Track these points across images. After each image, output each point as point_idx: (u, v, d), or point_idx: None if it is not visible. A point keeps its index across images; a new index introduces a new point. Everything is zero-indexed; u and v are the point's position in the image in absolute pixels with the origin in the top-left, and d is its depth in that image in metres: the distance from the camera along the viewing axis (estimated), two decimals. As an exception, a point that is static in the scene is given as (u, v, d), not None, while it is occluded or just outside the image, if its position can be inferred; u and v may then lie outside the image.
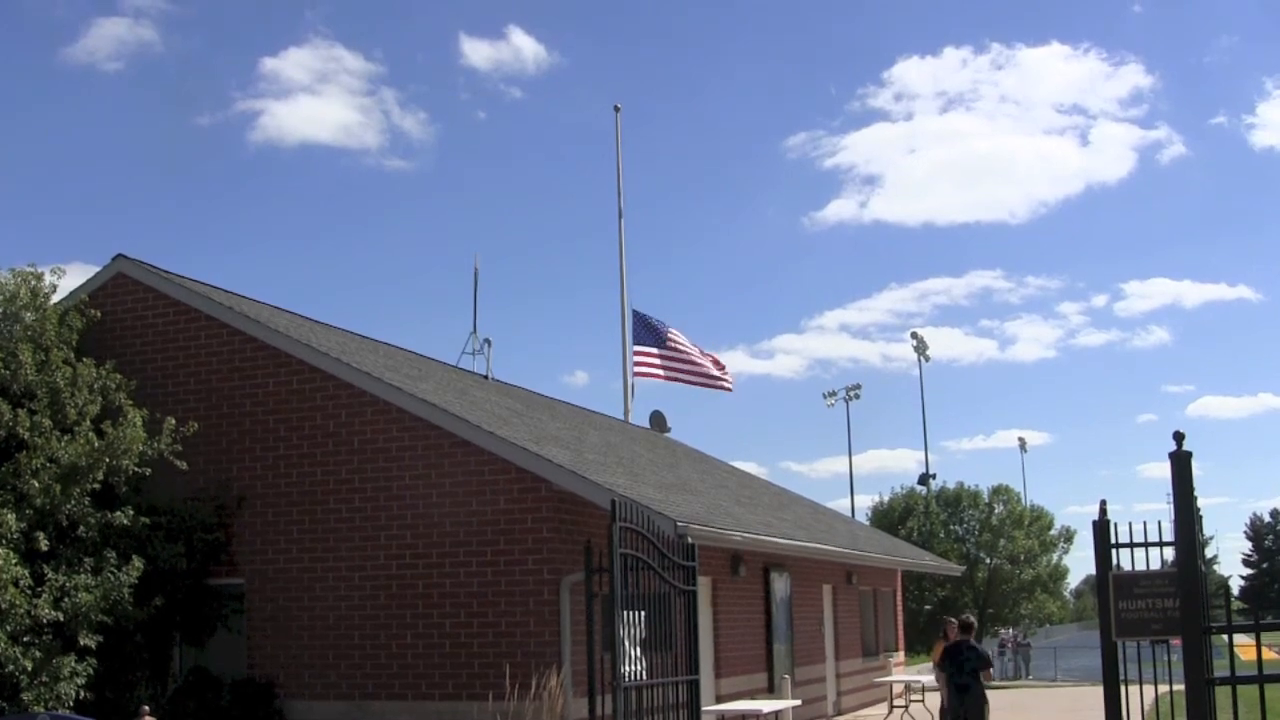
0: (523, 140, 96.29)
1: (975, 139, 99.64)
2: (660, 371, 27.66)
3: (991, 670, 11.93)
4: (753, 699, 15.09)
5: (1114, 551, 8.05)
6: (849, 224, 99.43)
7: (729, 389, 27.89)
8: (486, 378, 18.84)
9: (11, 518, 10.95)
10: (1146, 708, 9.27)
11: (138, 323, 13.49)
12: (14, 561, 10.69)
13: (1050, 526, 52.63)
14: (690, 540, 10.30)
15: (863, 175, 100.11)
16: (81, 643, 11.05)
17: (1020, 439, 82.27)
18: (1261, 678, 7.65)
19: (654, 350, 27.67)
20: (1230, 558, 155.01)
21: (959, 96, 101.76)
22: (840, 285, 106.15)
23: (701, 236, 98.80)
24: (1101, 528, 8.12)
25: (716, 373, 27.49)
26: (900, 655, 24.92)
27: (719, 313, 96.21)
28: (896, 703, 19.46)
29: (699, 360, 27.48)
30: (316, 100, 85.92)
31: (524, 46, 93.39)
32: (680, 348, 27.53)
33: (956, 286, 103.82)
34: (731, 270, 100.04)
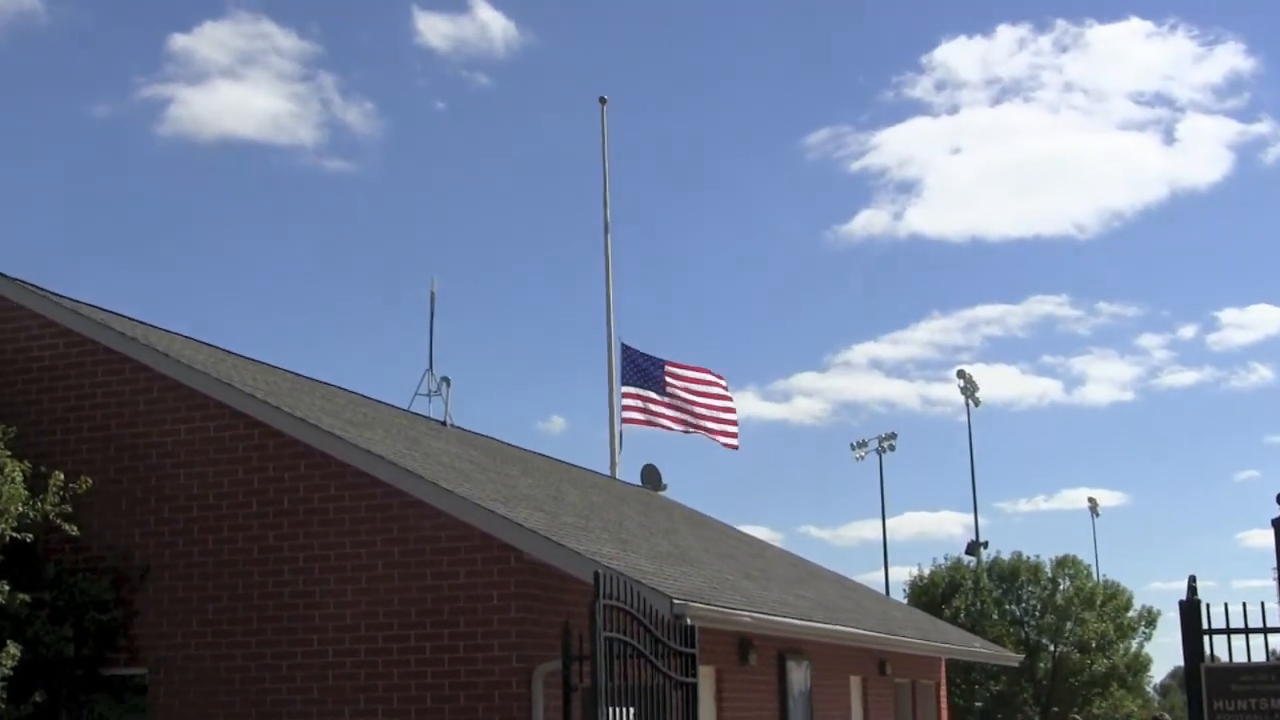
0: (490, 138, 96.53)
1: (1034, 136, 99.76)
2: (654, 418, 27.68)
3: None
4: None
5: (1206, 639, 8.04)
6: (881, 239, 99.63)
7: (733, 445, 27.83)
8: (444, 424, 18.85)
9: None
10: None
11: (19, 356, 13.49)
12: None
13: (1128, 607, 52.61)
14: (690, 622, 10.28)
15: (897, 180, 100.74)
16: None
17: (1090, 500, 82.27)
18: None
19: (647, 392, 27.71)
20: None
21: (1014, 85, 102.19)
22: (871, 313, 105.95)
23: (703, 255, 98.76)
24: (1191, 609, 8.11)
25: (721, 423, 27.44)
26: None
27: (724, 346, 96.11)
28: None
29: (704, 401, 27.48)
30: (238, 86, 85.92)
31: (491, 24, 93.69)
32: (681, 386, 27.56)
33: (1012, 315, 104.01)
34: (739, 296, 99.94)
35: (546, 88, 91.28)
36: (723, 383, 27.88)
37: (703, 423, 27.45)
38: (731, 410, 28.13)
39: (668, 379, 27.53)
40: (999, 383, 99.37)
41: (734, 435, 27.85)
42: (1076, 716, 11.94)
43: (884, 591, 45.89)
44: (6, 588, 11.77)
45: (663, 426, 27.63)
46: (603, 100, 31.44)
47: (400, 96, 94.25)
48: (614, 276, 29.51)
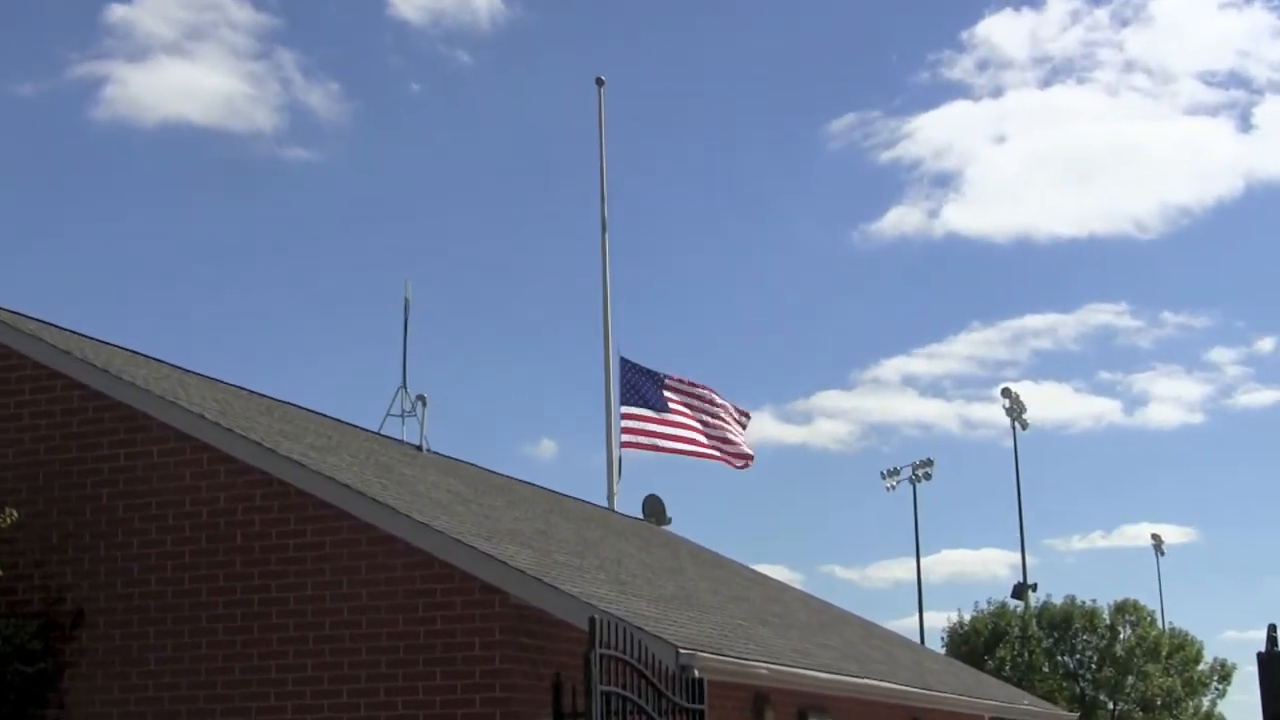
0: (472, 124, 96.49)
1: (1090, 122, 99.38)
2: (657, 441, 27.74)
3: None
4: None
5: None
6: (915, 239, 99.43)
7: (743, 466, 27.89)
8: (420, 449, 18.89)
9: None
10: None
11: (-62, 371, 13.53)
12: None
13: (1198, 659, 52.61)
14: (698, 674, 10.32)
15: (934, 173, 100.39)
16: None
17: (1155, 537, 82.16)
18: None
19: (649, 413, 27.77)
20: None
21: (1067, 64, 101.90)
22: (903, 324, 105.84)
23: (713, 258, 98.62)
24: (1271, 662, 8.16)
25: (734, 440, 27.49)
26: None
27: (737, 361, 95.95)
28: None
29: (715, 421, 27.54)
30: (186, 64, 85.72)
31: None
32: (683, 401, 27.60)
33: (1064, 325, 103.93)
34: (753, 304, 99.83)
35: (537, 67, 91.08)
36: (726, 403, 27.94)
37: (712, 444, 27.50)
38: (742, 424, 28.16)
39: (667, 394, 27.57)
40: (1049, 403, 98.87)
41: (749, 457, 27.87)
42: None
43: (919, 640, 45.85)
44: (-79, 635, 11.80)
45: (667, 450, 27.70)
46: (600, 81, 31.64)
47: (370, 76, 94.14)
48: (612, 282, 29.69)
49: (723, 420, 27.77)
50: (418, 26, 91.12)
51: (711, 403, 27.79)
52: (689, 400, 27.64)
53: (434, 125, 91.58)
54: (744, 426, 28.10)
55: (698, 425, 27.62)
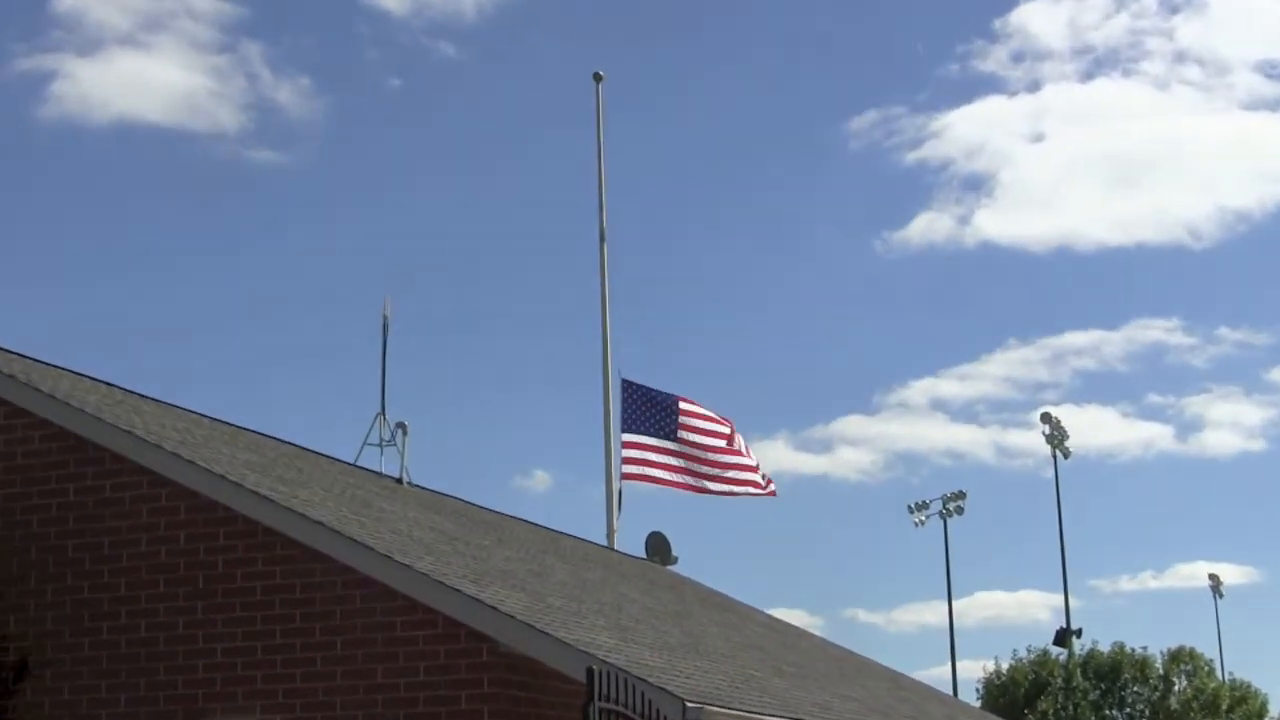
0: (458, 123, 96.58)
1: (1136, 119, 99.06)
2: (662, 473, 27.72)
3: None
4: None
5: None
6: (944, 248, 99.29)
7: (770, 492, 27.90)
8: (401, 482, 18.89)
9: None
10: None
11: None
12: None
13: (1262, 713, 52.55)
14: (709, 730, 10.27)
15: (964, 175, 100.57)
16: None
17: (1212, 577, 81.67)
18: None
19: (653, 440, 27.76)
20: None
21: (1111, 55, 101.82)
22: (932, 341, 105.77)
23: (721, 270, 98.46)
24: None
25: (753, 474, 27.50)
26: None
27: (749, 383, 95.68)
28: None
29: (727, 450, 27.52)
30: (142, 57, 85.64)
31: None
32: (696, 429, 27.60)
33: (1110, 343, 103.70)
34: (766, 320, 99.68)
35: (529, 61, 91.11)
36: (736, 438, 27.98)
37: (727, 474, 27.46)
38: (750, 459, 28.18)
39: (681, 420, 27.54)
40: (1094, 429, 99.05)
41: (767, 481, 27.86)
42: None
43: (951, 691, 45.73)
44: None
45: (673, 484, 27.67)
46: (598, 77, 31.71)
47: (345, 71, 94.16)
48: (611, 296, 29.74)
49: (739, 452, 27.74)
50: (398, 16, 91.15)
51: (729, 438, 27.75)
52: (701, 429, 27.60)
53: (416, 125, 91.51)
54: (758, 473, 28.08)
55: (710, 455, 27.58)
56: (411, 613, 11.87)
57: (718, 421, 27.79)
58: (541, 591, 14.50)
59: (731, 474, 27.74)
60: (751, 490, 27.91)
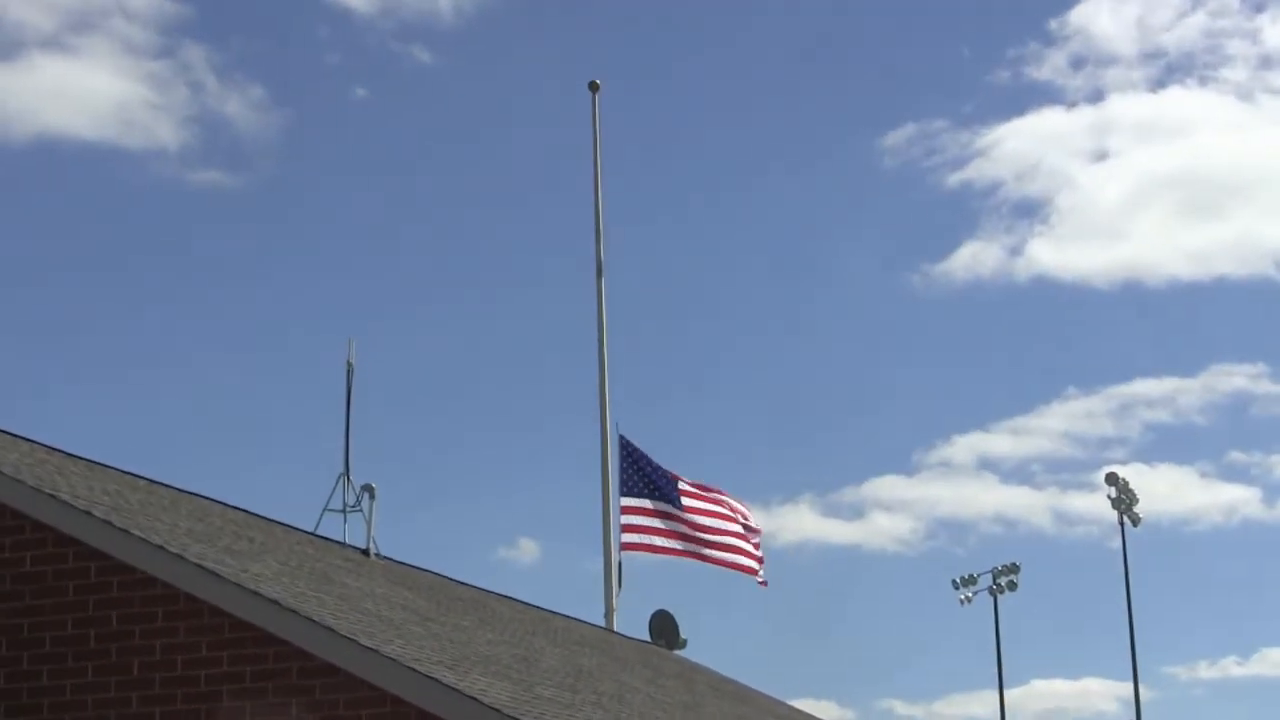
0: (433, 139, 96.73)
1: (1214, 134, 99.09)
2: (668, 541, 27.76)
3: None
4: None
5: None
6: (992, 283, 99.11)
7: (758, 577, 28.00)
8: (367, 553, 18.89)
9: None
10: None
11: None
12: None
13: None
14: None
15: (1016, 199, 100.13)
16: None
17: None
18: None
19: (654, 506, 27.82)
20: None
21: (1185, 60, 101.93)
22: (980, 390, 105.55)
23: (737, 308, 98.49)
24: None
25: (746, 545, 27.64)
26: None
27: (768, 440, 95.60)
28: None
29: (733, 519, 27.64)
30: (68, 63, 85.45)
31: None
32: (701, 499, 27.72)
33: (1186, 393, 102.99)
34: (788, 365, 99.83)
35: (515, 68, 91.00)
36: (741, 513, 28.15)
37: (736, 545, 27.55)
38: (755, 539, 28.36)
39: (684, 490, 27.70)
40: (1167, 491, 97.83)
41: (755, 563, 28.01)
42: None
43: (1003, 797, 45.53)
44: None
45: (680, 553, 27.69)
46: (594, 86, 31.91)
47: (303, 79, 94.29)
48: (610, 339, 29.80)
49: (742, 528, 27.91)
50: (363, 16, 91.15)
51: (724, 517, 27.92)
52: (705, 499, 27.74)
53: (384, 141, 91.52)
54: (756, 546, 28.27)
55: (716, 526, 27.69)
56: (380, 705, 11.84)
57: (721, 515, 27.93)
58: (530, 680, 14.49)
59: (740, 544, 27.83)
60: (746, 564, 28.00)
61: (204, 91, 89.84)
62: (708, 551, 27.76)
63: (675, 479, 27.71)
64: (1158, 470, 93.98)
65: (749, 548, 27.99)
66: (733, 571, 28.03)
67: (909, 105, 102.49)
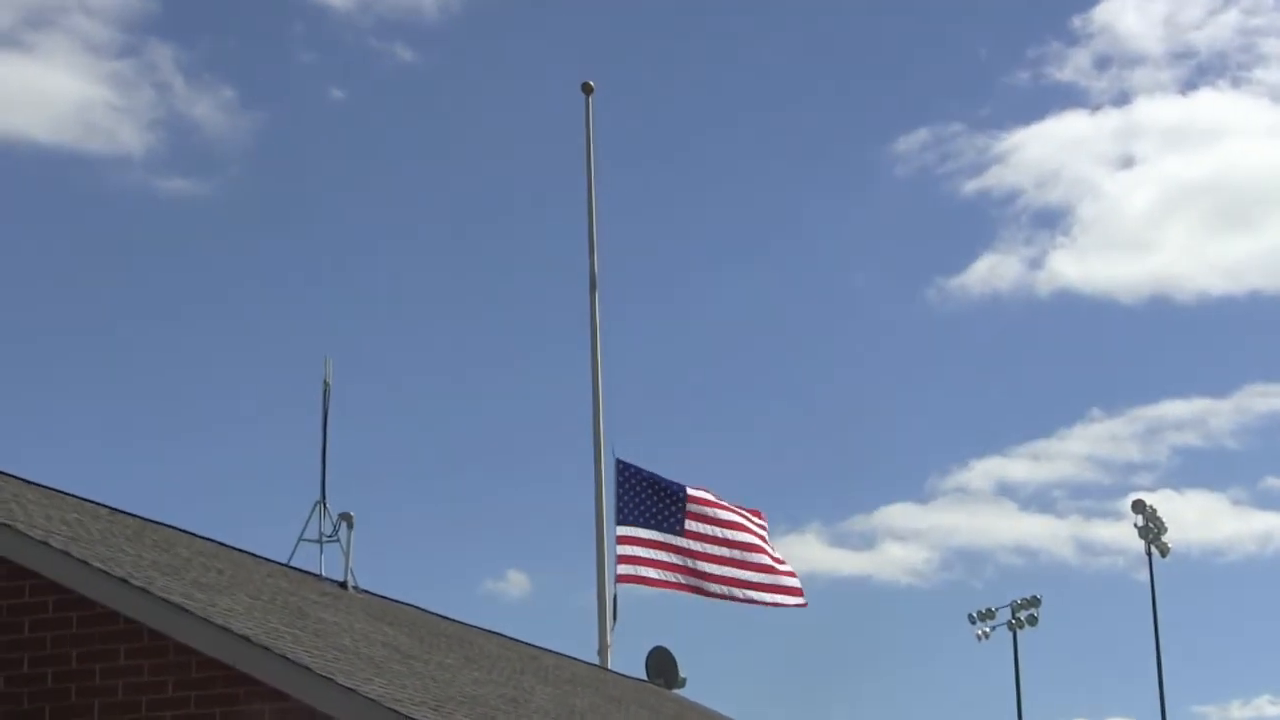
0: (416, 143, 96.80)
1: (1247, 138, 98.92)
2: (666, 574, 27.68)
3: None
4: None
5: None
6: (1011, 298, 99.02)
7: (800, 603, 27.92)
8: (345, 586, 18.85)
9: None
10: None
11: None
12: None
13: None
14: None
15: (1036, 209, 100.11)
16: None
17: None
18: None
19: (655, 535, 27.75)
20: None
21: (1218, 60, 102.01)
22: (998, 412, 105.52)
23: (739, 325, 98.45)
24: None
25: (778, 577, 27.52)
26: None
27: (773, 465, 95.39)
28: None
29: (752, 548, 27.50)
30: (25, 62, 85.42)
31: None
32: (711, 521, 27.63)
33: (1218, 414, 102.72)
34: (793, 386, 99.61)
35: (504, 68, 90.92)
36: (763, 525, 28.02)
37: (747, 577, 27.43)
38: (782, 564, 28.21)
39: (690, 508, 27.53)
40: (1198, 519, 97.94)
41: (796, 591, 27.88)
42: None
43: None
44: None
45: (678, 587, 27.62)
46: (587, 88, 31.89)
47: (277, 79, 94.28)
48: (604, 355, 29.74)
49: (757, 550, 27.74)
50: (341, 13, 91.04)
51: (742, 528, 27.74)
52: (714, 522, 27.60)
53: (364, 146, 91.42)
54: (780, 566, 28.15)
55: (729, 555, 27.58)
56: (358, 749, 11.81)
57: (740, 513, 27.77)
58: (518, 722, 14.45)
59: (753, 577, 27.69)
60: (781, 600, 27.86)
61: (170, 93, 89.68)
62: (713, 587, 27.66)
63: (684, 489, 27.57)
64: (1187, 497, 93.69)
65: (775, 567, 27.84)
66: (738, 604, 27.93)
67: (922, 108, 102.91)
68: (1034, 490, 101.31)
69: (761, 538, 28.07)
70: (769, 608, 28.16)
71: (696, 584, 27.57)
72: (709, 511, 27.65)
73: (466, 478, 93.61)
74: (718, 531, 27.59)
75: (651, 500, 27.45)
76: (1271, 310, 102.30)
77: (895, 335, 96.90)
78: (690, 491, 27.74)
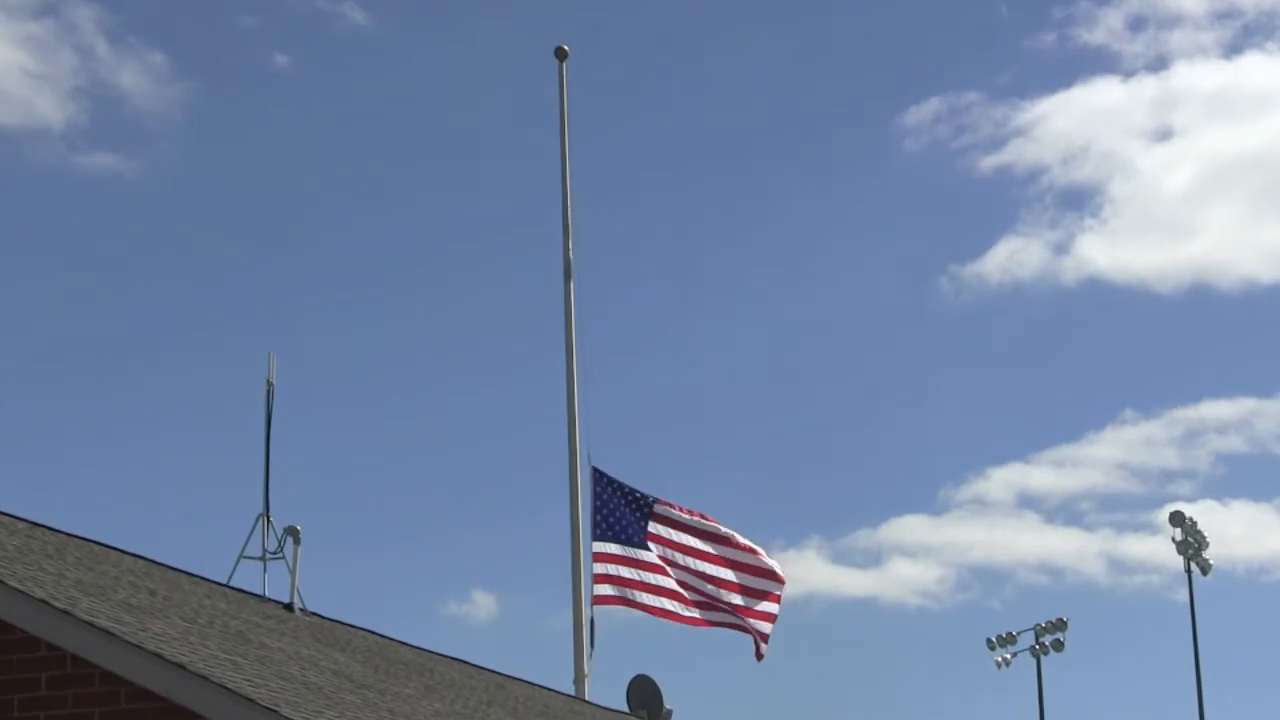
0: (368, 115, 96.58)
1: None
2: (648, 596, 27.73)
3: None
4: None
5: None
6: (1034, 287, 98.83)
7: (760, 644, 27.95)
8: (291, 608, 18.87)
9: None
10: None
11: None
12: None
13: None
14: None
15: (1063, 187, 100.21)
16: None
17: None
18: None
19: (634, 553, 27.79)
20: None
21: (1263, 22, 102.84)
22: (1020, 415, 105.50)
23: (731, 318, 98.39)
24: None
25: (763, 602, 27.57)
26: None
27: (769, 474, 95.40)
28: None
29: (732, 565, 27.56)
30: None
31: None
32: (685, 537, 27.69)
33: (1264, 416, 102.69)
34: (791, 387, 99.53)
35: (466, 32, 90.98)
36: (749, 545, 28.07)
37: (725, 598, 27.48)
38: (773, 588, 28.24)
39: (652, 526, 27.55)
40: (1243, 533, 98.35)
41: (768, 617, 27.94)
42: None
43: None
44: None
45: (662, 613, 27.66)
46: (561, 53, 31.85)
47: (213, 44, 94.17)
48: (580, 355, 29.74)
49: (739, 569, 27.80)
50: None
51: (728, 542, 27.79)
52: (685, 539, 27.65)
53: (309, 119, 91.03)
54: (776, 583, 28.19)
55: (701, 572, 27.62)
56: (304, 789, 11.85)
57: (711, 528, 27.81)
58: (483, 759, 14.49)
59: (729, 596, 27.75)
60: (755, 624, 27.93)
61: (94, 59, 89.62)
62: (686, 612, 27.70)
63: (652, 502, 27.57)
64: (1230, 508, 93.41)
65: (754, 591, 27.87)
66: (722, 627, 27.99)
67: (934, 76, 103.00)
68: (1059, 501, 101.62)
69: (741, 552, 28.08)
70: (741, 633, 28.21)
71: (678, 609, 27.61)
72: (673, 527, 27.68)
73: (426, 488, 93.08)
74: (682, 548, 27.63)
75: (627, 513, 27.50)
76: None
77: (904, 329, 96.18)
78: (658, 509, 27.72)
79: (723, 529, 28.07)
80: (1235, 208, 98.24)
